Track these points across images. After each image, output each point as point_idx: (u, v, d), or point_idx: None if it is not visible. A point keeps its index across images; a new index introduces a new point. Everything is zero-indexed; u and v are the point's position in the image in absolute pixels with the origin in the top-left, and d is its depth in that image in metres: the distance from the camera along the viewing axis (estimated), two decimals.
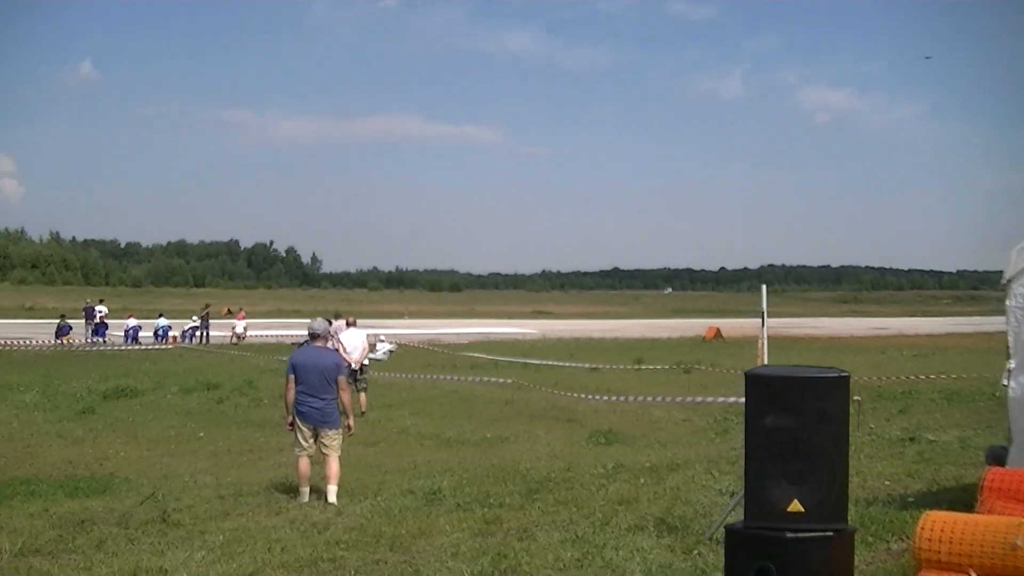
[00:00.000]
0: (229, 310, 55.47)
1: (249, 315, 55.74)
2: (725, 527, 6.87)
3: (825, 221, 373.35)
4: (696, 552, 8.54)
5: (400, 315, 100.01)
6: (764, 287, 12.24)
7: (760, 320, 11.76)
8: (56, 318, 54.54)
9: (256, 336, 53.69)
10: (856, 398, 14.40)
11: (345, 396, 12.61)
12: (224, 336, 51.79)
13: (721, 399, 23.44)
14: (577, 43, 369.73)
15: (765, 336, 11.80)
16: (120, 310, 62.20)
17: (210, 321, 52.71)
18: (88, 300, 57.72)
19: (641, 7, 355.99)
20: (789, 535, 6.20)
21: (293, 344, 33.79)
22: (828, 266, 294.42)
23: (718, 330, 59.15)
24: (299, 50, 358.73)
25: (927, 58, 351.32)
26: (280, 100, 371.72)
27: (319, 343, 12.89)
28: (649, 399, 24.70)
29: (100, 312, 52.06)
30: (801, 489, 6.26)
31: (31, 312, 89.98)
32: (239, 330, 51.79)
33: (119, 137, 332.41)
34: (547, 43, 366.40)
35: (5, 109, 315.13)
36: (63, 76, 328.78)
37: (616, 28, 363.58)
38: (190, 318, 53.93)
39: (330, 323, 14.02)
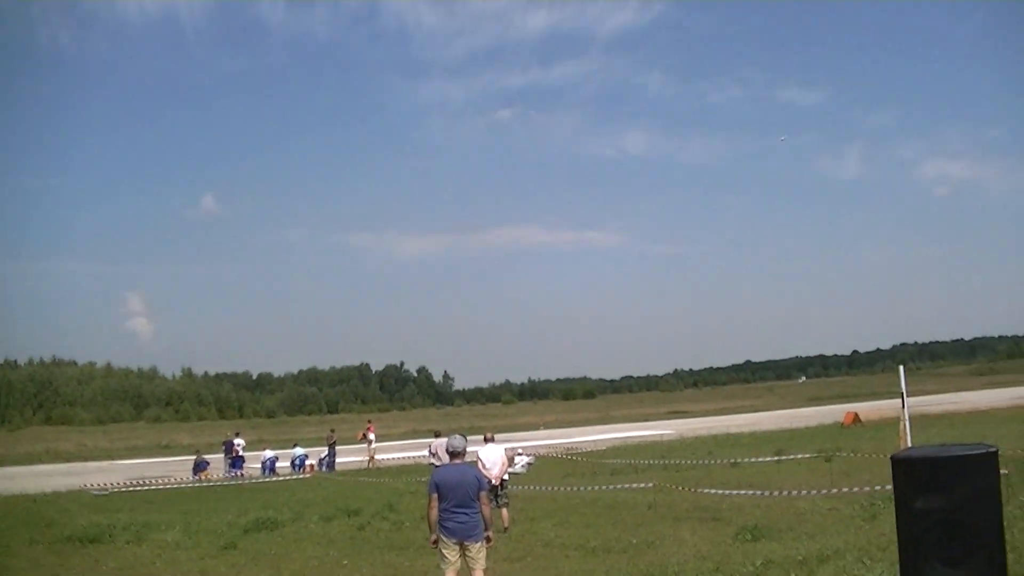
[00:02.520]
0: (364, 435, 55.68)
1: (384, 437, 56.01)
2: None
3: (955, 294, 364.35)
4: None
5: (536, 426, 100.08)
6: (902, 368, 12.14)
7: (900, 402, 11.60)
8: (192, 454, 55.39)
9: (392, 459, 53.87)
10: (1004, 471, 14.03)
11: (486, 509, 12.80)
12: (361, 461, 52.00)
13: (867, 487, 22.92)
14: (692, 139, 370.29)
15: (907, 417, 11.66)
16: (256, 442, 63.13)
17: (336, 448, 52.92)
18: (228, 434, 58.61)
19: (751, 98, 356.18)
20: None
21: (431, 465, 33.88)
22: (962, 339, 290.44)
23: (856, 415, 58.27)
24: (416, 169, 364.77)
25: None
26: (400, 220, 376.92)
27: (458, 460, 13.16)
28: (793, 492, 24.30)
29: (239, 445, 52.64)
30: (959, 572, 6.06)
31: (167, 450, 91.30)
32: (373, 445, 52.21)
33: (244, 268, 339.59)
34: (663, 142, 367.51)
35: (131, 248, 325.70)
36: (185, 212, 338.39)
37: (728, 121, 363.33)
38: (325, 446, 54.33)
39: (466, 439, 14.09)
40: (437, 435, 37.10)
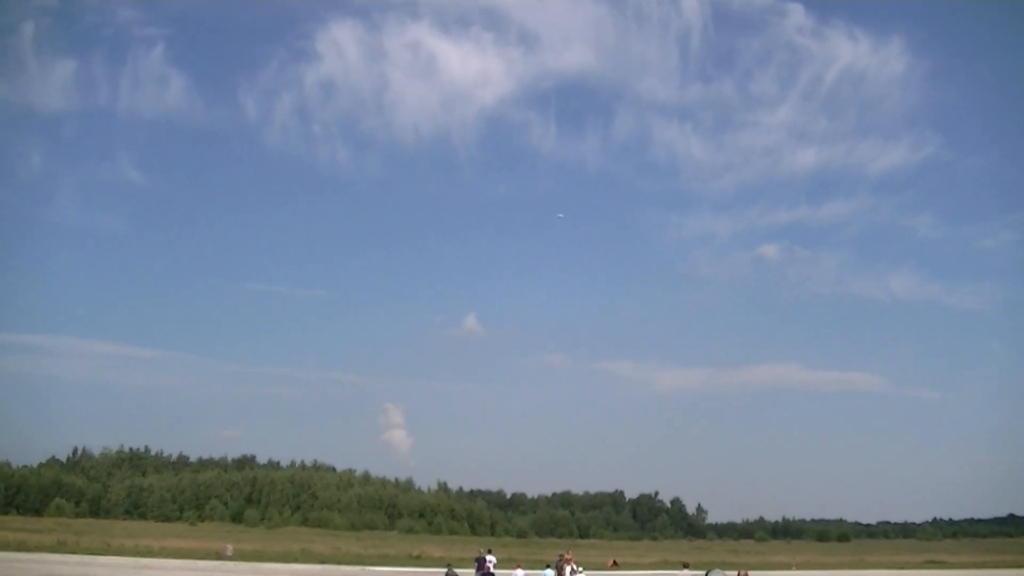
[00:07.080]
0: (614, 562, 55.28)
1: (633, 567, 55.60)
2: None
3: None
4: None
5: (788, 566, 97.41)
6: None
7: None
8: (443, 567, 56.02)
9: None
10: None
11: None
12: None
13: None
14: (961, 282, 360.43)
15: None
16: (507, 560, 63.18)
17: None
18: (480, 550, 59.14)
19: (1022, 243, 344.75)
20: None
21: None
22: None
23: None
24: (678, 300, 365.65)
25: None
26: (661, 350, 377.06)
27: None
28: None
29: (490, 562, 53.12)
30: None
31: (418, 560, 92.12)
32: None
33: (502, 388, 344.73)
34: (930, 285, 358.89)
35: (395, 364, 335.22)
36: (448, 330, 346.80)
37: (1000, 265, 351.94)
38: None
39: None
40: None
